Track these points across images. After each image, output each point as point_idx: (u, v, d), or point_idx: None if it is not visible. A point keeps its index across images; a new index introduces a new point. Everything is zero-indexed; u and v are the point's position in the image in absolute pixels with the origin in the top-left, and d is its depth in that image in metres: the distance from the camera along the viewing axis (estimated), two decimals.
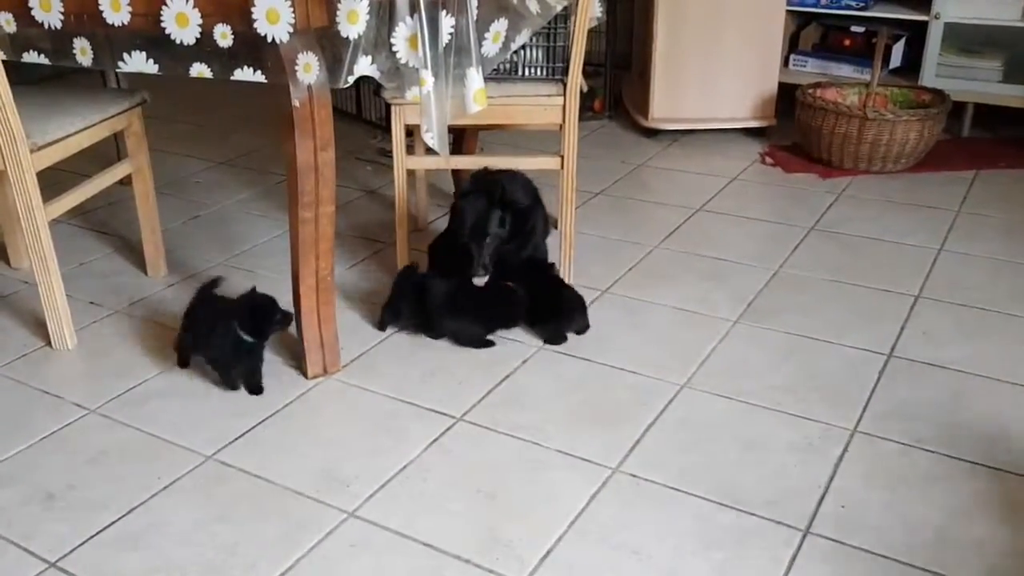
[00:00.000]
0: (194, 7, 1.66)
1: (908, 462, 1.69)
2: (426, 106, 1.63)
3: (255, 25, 1.62)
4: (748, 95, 3.41)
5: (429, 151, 2.10)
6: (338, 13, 1.59)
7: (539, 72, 2.22)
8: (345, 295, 2.28)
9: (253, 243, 2.63)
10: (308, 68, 1.64)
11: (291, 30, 1.61)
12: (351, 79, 1.62)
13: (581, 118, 2.23)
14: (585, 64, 2.18)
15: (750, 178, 3.10)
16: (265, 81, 1.67)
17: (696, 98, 3.41)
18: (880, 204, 2.85)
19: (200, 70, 1.70)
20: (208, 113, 3.86)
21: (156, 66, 1.73)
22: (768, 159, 3.25)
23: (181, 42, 1.69)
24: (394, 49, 1.62)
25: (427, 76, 1.61)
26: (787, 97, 3.37)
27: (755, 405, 1.85)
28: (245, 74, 1.68)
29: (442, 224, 2.66)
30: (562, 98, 2.20)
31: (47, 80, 2.72)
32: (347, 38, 1.59)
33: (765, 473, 1.66)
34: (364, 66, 1.63)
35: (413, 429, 1.80)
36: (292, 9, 1.60)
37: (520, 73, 2.22)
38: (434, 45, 1.62)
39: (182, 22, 1.67)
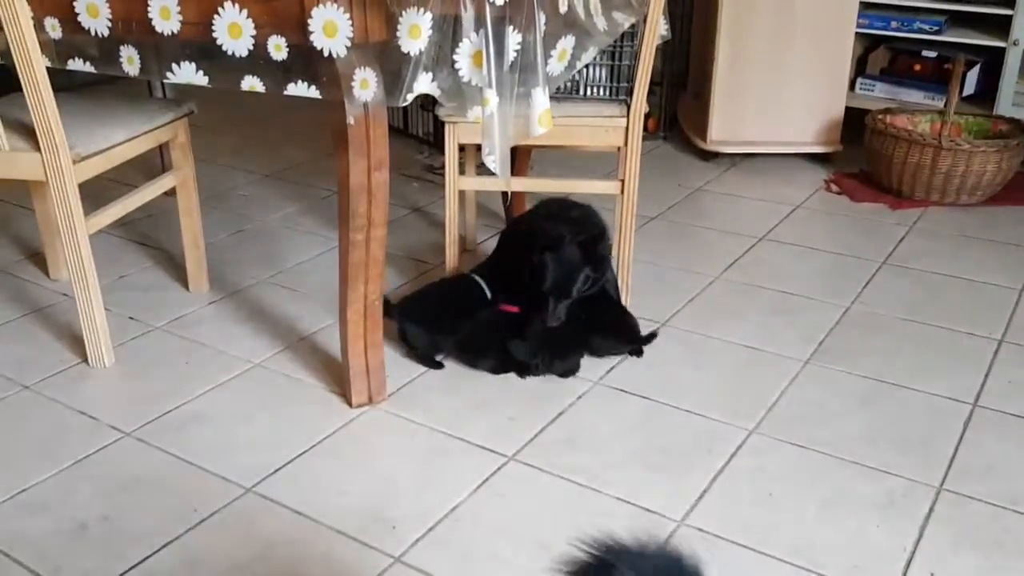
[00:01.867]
0: (248, 17, 1.57)
1: (1002, 526, 1.54)
2: (488, 128, 1.53)
3: (311, 38, 1.53)
4: (813, 119, 3.28)
5: (481, 169, 2.01)
6: (399, 27, 1.49)
7: (602, 92, 2.11)
8: (391, 322, 2.18)
9: (298, 260, 2.54)
10: (365, 84, 1.55)
11: (349, 44, 1.52)
12: (410, 97, 1.53)
13: None
14: None
15: (815, 206, 2.96)
16: (320, 97, 1.58)
17: (757, 120, 3.28)
18: (955, 239, 2.70)
19: (252, 83, 1.62)
20: (255, 124, 3.80)
21: (206, 78, 1.65)
22: (834, 187, 3.11)
23: (233, 53, 1.60)
24: (457, 66, 1.52)
25: (491, 96, 1.51)
26: (853, 122, 3.23)
27: (830, 455, 1.72)
28: (299, 89, 1.59)
29: (490, 245, 2.56)
30: (625, 119, 2.10)
31: (89, 85, 2.65)
32: (408, 54, 1.50)
33: (845, 533, 1.53)
34: (424, 84, 1.53)
35: (462, 467, 1.70)
36: (351, 22, 1.51)
37: (582, 93, 2.12)
38: (499, 63, 1.51)
39: (235, 33, 1.59)
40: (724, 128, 3.29)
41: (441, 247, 2.33)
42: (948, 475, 1.67)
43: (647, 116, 3.53)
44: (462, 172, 2.28)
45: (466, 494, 1.62)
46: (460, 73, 1.52)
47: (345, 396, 1.88)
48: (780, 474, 1.67)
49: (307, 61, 1.57)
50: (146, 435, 1.79)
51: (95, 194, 2.06)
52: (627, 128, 2.09)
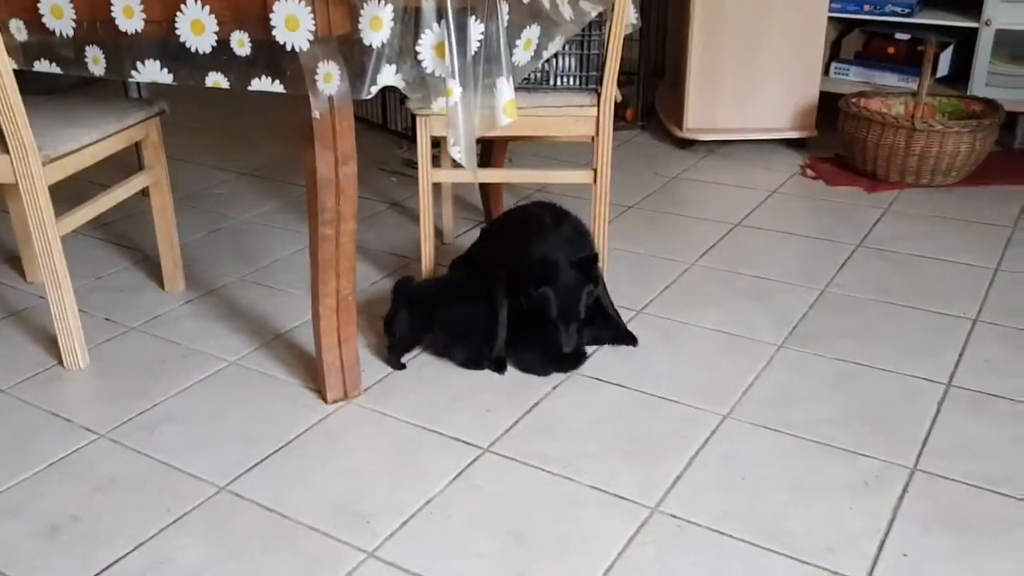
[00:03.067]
0: (210, 13, 1.57)
1: (976, 505, 1.55)
2: (453, 118, 1.53)
3: (274, 32, 1.53)
4: (788, 104, 3.29)
5: (456, 164, 2.01)
6: (360, 20, 1.49)
7: (572, 82, 2.11)
8: (367, 313, 2.18)
9: (275, 257, 2.54)
10: (329, 78, 1.55)
11: (311, 38, 1.52)
12: (374, 90, 1.52)
13: (613, 128, 2.11)
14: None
15: (791, 191, 2.97)
16: (284, 91, 1.58)
17: (733, 107, 3.28)
18: (930, 220, 2.71)
19: (216, 80, 1.61)
20: (232, 122, 3.79)
21: (170, 76, 1.64)
22: (809, 171, 3.12)
23: (197, 50, 1.60)
24: (420, 58, 1.52)
25: (454, 86, 1.50)
26: (828, 107, 3.24)
27: (804, 439, 1.73)
28: (263, 84, 1.59)
29: (468, 238, 2.56)
30: (596, 109, 2.10)
31: (68, 90, 2.65)
32: (370, 46, 1.49)
33: (818, 516, 1.53)
34: (388, 76, 1.53)
35: (437, 460, 1.70)
36: (313, 15, 1.51)
37: (552, 83, 2.12)
38: (462, 53, 1.51)
39: (198, 29, 1.58)
40: (700, 116, 3.29)
41: (418, 242, 2.33)
42: (922, 455, 1.68)
43: (625, 106, 3.57)
44: (437, 165, 2.29)
45: (441, 487, 1.62)
46: (423, 64, 1.52)
47: (320, 392, 1.88)
48: (753, 458, 1.68)
49: (270, 56, 1.56)
50: (120, 436, 1.78)
51: (74, 194, 2.05)
52: (598, 117, 2.09)
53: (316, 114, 1.58)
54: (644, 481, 1.62)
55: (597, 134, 2.10)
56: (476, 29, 1.53)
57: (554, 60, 2.08)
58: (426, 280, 2.16)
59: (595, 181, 2.14)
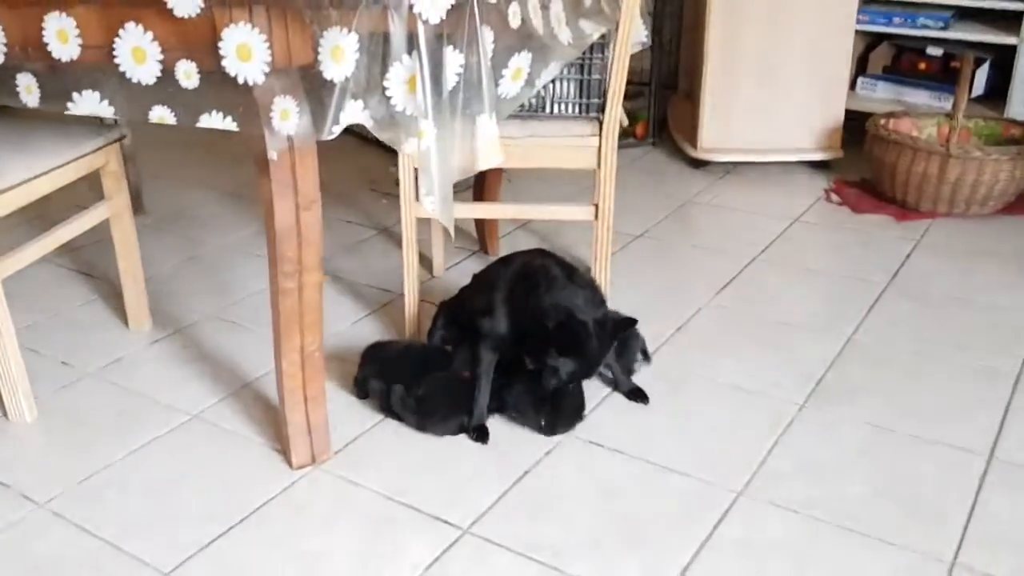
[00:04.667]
0: (153, 40, 1.37)
1: None
2: (424, 164, 1.33)
3: (224, 63, 1.33)
4: (811, 123, 3.06)
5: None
6: (320, 49, 1.29)
7: (571, 109, 1.91)
8: (343, 359, 1.98)
9: (250, 290, 2.34)
10: (285, 115, 1.35)
11: (267, 69, 1.32)
12: (336, 129, 1.33)
13: (620, 145, 1.90)
14: (627, 83, 1.85)
15: (814, 219, 2.75)
16: (236, 129, 1.38)
17: (751, 125, 3.07)
18: (967, 255, 2.49)
19: (161, 115, 1.42)
20: (214, 135, 3.59)
21: (111, 108, 1.45)
22: (834, 196, 2.90)
23: (138, 81, 1.40)
24: (388, 93, 1.32)
25: (427, 128, 1.30)
26: (854, 126, 3.02)
27: (827, 523, 1.52)
28: (213, 120, 1.39)
29: (460, 271, 2.37)
30: (597, 138, 1.89)
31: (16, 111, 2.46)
32: (331, 80, 1.29)
33: None
34: (354, 113, 1.33)
35: (411, 543, 1.50)
36: (268, 44, 1.31)
37: (548, 110, 1.92)
38: (436, 89, 1.31)
39: (139, 57, 1.39)
40: (716, 134, 3.08)
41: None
42: (962, 547, 1.47)
43: (635, 120, 3.35)
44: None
45: None
46: (392, 101, 1.32)
47: (286, 455, 1.68)
48: (771, 546, 1.47)
49: (220, 89, 1.37)
50: (61, 507, 1.59)
51: (31, 218, 1.87)
52: (599, 148, 1.89)
53: (272, 155, 1.38)
54: (647, 574, 1.42)
55: (599, 166, 1.90)
56: (454, 60, 1.33)
57: (551, 85, 1.88)
58: (398, 344, 1.95)
59: (597, 217, 1.94)
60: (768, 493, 1.59)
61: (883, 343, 2.06)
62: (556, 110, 1.90)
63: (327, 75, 1.30)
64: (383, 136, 1.35)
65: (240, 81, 1.34)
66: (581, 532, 1.51)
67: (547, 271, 1.70)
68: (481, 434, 1.73)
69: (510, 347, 1.73)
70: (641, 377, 1.92)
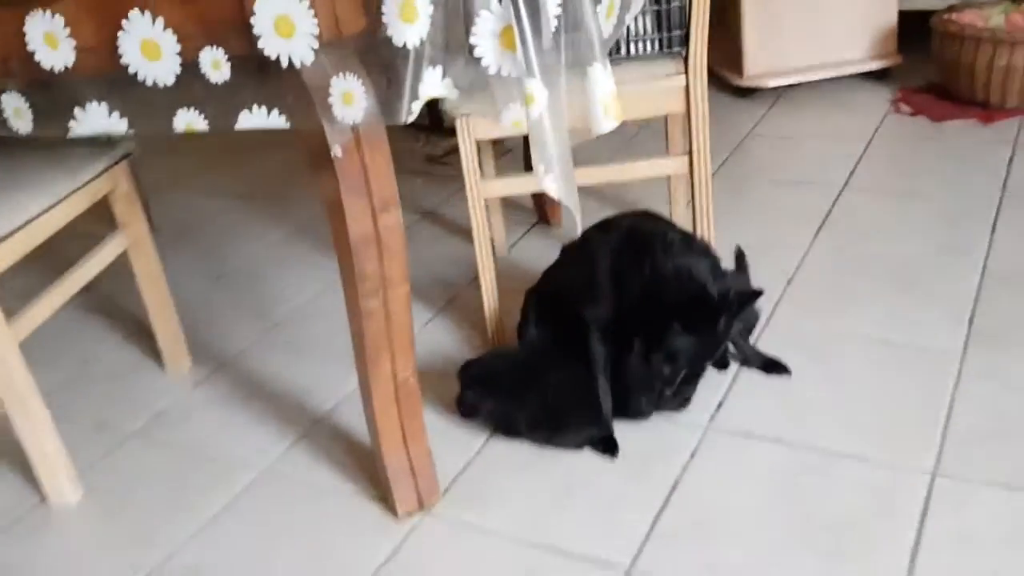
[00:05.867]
0: (166, 28, 1.09)
1: None
2: (538, 135, 1.05)
3: (260, 43, 1.05)
4: (863, 30, 2.77)
5: (502, 166, 1.52)
6: (385, 9, 1.01)
7: (650, 47, 1.62)
8: (422, 371, 1.71)
9: (293, 304, 2.07)
10: (349, 98, 1.07)
11: (316, 44, 1.04)
12: (416, 107, 1.05)
13: None
14: None
15: (892, 135, 2.47)
16: (288, 126, 1.10)
17: (798, 42, 2.77)
18: None
19: (189, 120, 1.14)
20: (213, 134, 3.29)
21: (124, 122, 1.17)
22: (904, 107, 2.62)
23: (154, 82, 1.12)
24: (477, 53, 1.03)
25: (536, 89, 1.02)
26: (907, 27, 2.74)
27: None
28: (256, 118, 1.11)
29: (525, 247, 2.09)
30: (684, 77, 1.61)
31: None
32: (404, 46, 1.01)
33: None
34: (434, 84, 1.05)
35: None
36: (313, 12, 1.02)
37: (624, 51, 1.63)
38: (538, 38, 1.03)
39: (151, 53, 1.10)
40: (762, 58, 2.79)
41: (466, 259, 1.88)
42: None
43: None
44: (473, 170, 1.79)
45: None
46: (483, 62, 1.04)
47: (388, 504, 1.42)
48: (998, 534, 1.22)
49: (261, 77, 1.09)
50: None
51: (47, 255, 1.60)
52: (687, 87, 1.61)
53: (337, 152, 1.10)
54: None
55: (689, 109, 1.62)
56: (553, 1, 1.04)
57: None
58: (494, 355, 1.67)
59: (692, 169, 1.66)
60: (966, 467, 1.34)
61: (1022, 264, 1.80)
62: (632, 50, 1.62)
63: (397, 40, 1.01)
64: (472, 108, 1.07)
65: (284, 63, 1.05)
66: (764, 546, 1.26)
67: (663, 236, 1.43)
68: (609, 446, 1.47)
69: (619, 330, 1.46)
70: (768, 341, 1.66)
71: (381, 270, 1.22)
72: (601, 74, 1.08)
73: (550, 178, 1.06)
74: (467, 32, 1.03)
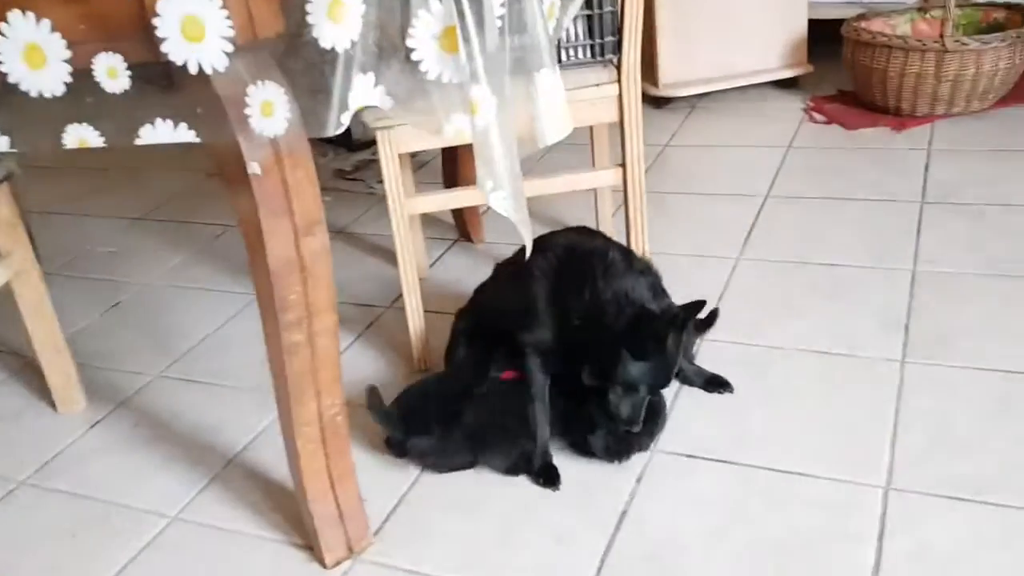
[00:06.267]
0: (52, 31, 0.95)
1: None
2: (484, 147, 0.96)
3: (164, 47, 0.93)
4: (773, 39, 2.79)
5: (420, 180, 1.43)
6: (310, 8, 0.90)
7: (581, 53, 1.55)
8: (346, 406, 1.60)
9: (200, 333, 1.92)
10: (268, 108, 0.96)
11: (229, 48, 0.92)
12: (346, 118, 0.95)
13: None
14: None
15: (808, 143, 2.48)
16: (198, 140, 0.98)
17: (712, 51, 2.77)
18: (984, 155, 2.26)
19: (82, 136, 1.01)
20: (111, 152, 3.08)
21: (3, 138, 1.03)
22: (817, 116, 2.63)
23: (39, 94, 0.98)
24: (415, 57, 0.94)
25: (481, 96, 0.93)
26: (817, 37, 2.77)
27: (1006, 507, 1.24)
28: (160, 133, 0.99)
29: (447, 265, 2.00)
30: (616, 86, 1.55)
31: None
32: (331, 49, 0.91)
33: None
34: (365, 91, 0.95)
35: None
36: (226, 12, 0.91)
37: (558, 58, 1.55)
38: (482, 38, 0.94)
39: (35, 60, 0.96)
40: (676, 67, 2.77)
41: (386, 279, 1.80)
42: None
43: None
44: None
45: None
46: (422, 67, 0.94)
47: (314, 552, 1.30)
48: (959, 551, 1.18)
49: (165, 86, 0.96)
50: None
51: None
52: (620, 95, 1.54)
53: (255, 168, 0.99)
54: None
55: (622, 118, 1.56)
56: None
57: None
58: (421, 383, 1.56)
59: (625, 180, 1.60)
60: (919, 481, 1.30)
61: (950, 268, 1.80)
62: (562, 57, 1.54)
63: (324, 43, 0.91)
64: (410, 120, 0.97)
65: (193, 70, 0.93)
66: (721, 574, 1.20)
67: (603, 255, 1.35)
68: (550, 475, 1.38)
69: (562, 359, 1.38)
70: (709, 357, 1.61)
71: (305, 299, 1.10)
72: (551, 79, 1.00)
73: (500, 195, 0.97)
74: (403, 34, 0.94)
